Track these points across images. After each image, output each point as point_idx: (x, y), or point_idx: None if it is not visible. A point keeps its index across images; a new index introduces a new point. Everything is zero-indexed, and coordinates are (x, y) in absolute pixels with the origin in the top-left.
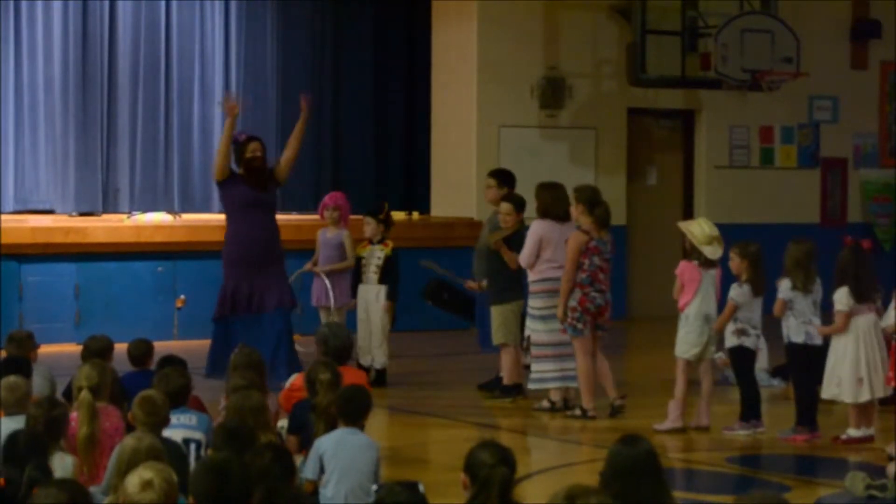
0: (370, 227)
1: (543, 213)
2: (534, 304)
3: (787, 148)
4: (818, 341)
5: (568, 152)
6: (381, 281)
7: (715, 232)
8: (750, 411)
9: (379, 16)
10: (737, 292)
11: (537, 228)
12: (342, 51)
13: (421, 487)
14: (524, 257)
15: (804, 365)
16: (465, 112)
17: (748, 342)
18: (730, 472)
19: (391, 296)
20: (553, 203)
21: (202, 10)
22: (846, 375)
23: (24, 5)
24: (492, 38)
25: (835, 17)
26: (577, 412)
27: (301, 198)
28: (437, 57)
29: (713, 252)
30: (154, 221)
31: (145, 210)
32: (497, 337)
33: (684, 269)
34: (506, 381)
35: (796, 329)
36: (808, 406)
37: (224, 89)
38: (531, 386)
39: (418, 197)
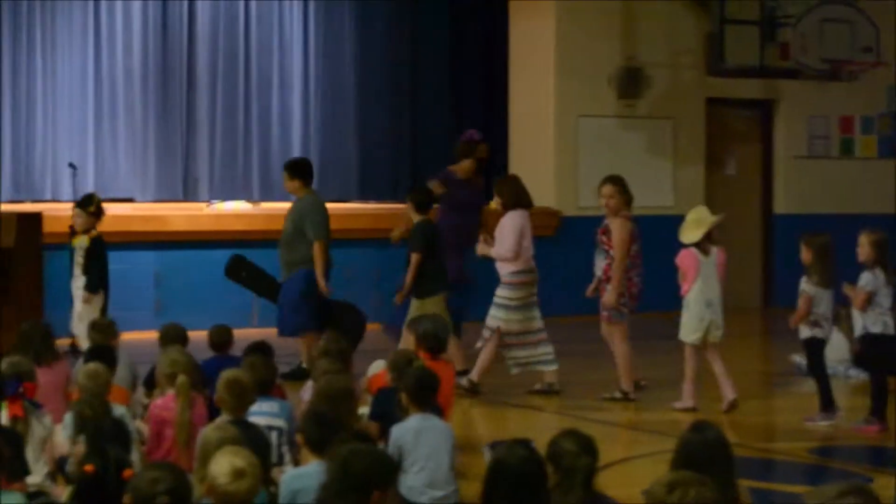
0: (81, 218)
1: (515, 203)
2: (508, 294)
3: (867, 138)
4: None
5: (646, 142)
6: (84, 272)
7: (698, 216)
8: (828, 402)
9: (456, 9)
10: (808, 286)
11: (517, 218)
12: (420, 43)
13: (533, 444)
14: (509, 249)
15: (880, 356)
16: (543, 102)
17: (821, 333)
18: (811, 463)
19: (89, 286)
20: (521, 193)
21: (280, 2)
22: None
23: None
24: (569, 29)
25: None
26: (618, 394)
27: (379, 187)
28: (514, 48)
29: (687, 237)
30: (233, 210)
31: (225, 199)
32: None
33: (683, 256)
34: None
35: (874, 320)
36: (879, 397)
37: (303, 80)
38: (514, 371)
39: None
